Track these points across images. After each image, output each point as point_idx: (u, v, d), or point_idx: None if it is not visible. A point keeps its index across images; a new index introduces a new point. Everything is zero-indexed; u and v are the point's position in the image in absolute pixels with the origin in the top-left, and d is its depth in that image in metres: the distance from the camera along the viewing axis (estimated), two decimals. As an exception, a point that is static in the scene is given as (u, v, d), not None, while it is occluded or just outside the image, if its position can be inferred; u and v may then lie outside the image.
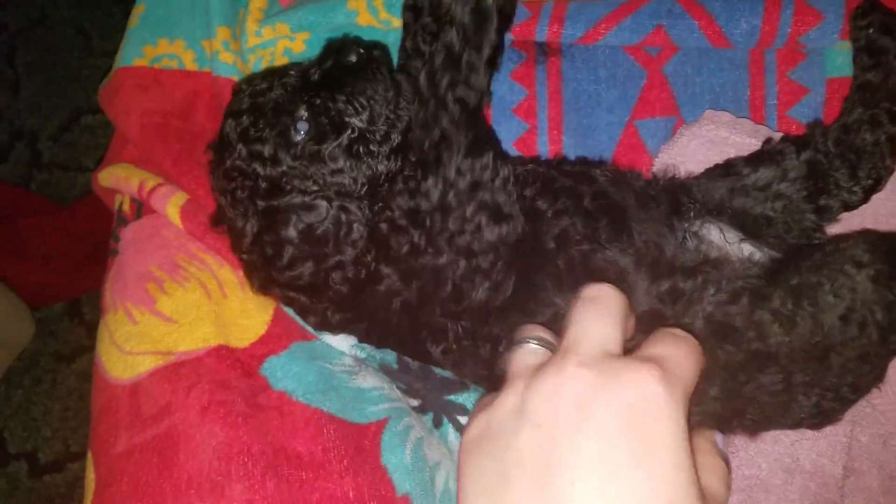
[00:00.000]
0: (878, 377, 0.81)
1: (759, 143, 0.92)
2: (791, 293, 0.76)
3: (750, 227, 0.87)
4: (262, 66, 1.06)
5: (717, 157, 0.93)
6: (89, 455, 0.91)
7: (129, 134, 1.05)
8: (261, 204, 0.82)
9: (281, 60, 1.06)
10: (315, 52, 1.05)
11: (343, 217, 0.80)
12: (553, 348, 0.60)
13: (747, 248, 0.85)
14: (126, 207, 1.03)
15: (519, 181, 0.84)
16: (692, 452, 0.49)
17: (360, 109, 0.82)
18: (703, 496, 0.49)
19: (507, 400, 0.54)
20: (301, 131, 0.80)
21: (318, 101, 0.81)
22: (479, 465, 0.52)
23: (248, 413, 0.84)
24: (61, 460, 2.11)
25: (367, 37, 1.04)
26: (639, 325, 0.67)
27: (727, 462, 0.62)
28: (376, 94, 0.82)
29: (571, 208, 0.83)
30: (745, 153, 0.92)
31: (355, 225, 0.80)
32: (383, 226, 0.80)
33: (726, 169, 0.90)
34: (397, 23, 1.02)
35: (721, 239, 0.85)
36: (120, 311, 0.94)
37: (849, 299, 0.74)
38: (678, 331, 0.59)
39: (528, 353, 0.60)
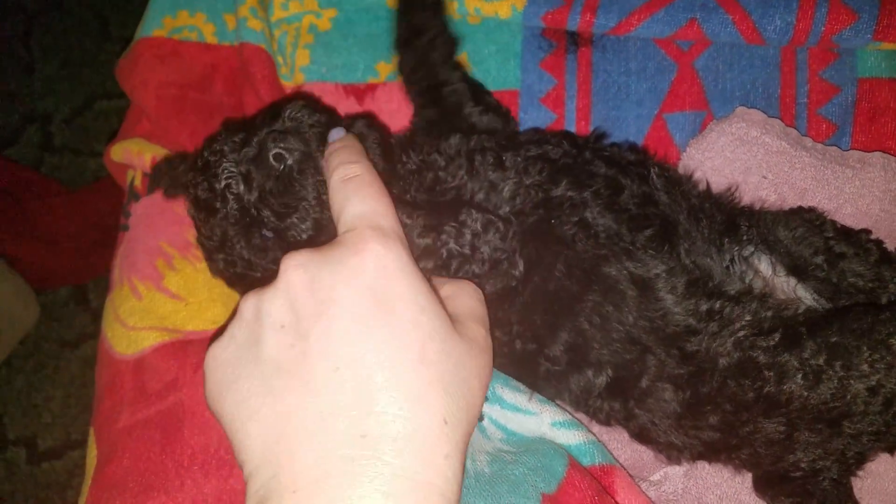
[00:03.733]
0: (888, 449, 0.80)
1: (790, 146, 0.91)
2: (826, 348, 0.73)
3: (803, 270, 0.85)
4: (287, 41, 1.05)
5: (746, 156, 0.92)
6: (91, 432, 0.90)
7: (145, 106, 1.04)
8: None
9: (306, 38, 1.05)
10: (342, 32, 1.05)
11: None
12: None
13: (796, 287, 0.83)
14: (138, 182, 1.02)
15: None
16: (433, 291, 0.53)
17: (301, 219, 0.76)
18: (456, 321, 0.54)
19: (238, 320, 0.54)
20: (268, 238, 0.78)
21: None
22: (236, 392, 0.50)
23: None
24: (61, 447, 2.08)
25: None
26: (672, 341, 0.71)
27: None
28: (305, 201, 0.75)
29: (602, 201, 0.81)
30: (774, 154, 0.91)
31: None
32: None
33: (806, 219, 0.88)
34: (429, 3, 1.01)
35: (770, 272, 0.84)
36: (126, 286, 0.93)
37: (883, 373, 0.72)
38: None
39: None
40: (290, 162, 0.73)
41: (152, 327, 0.90)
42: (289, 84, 1.06)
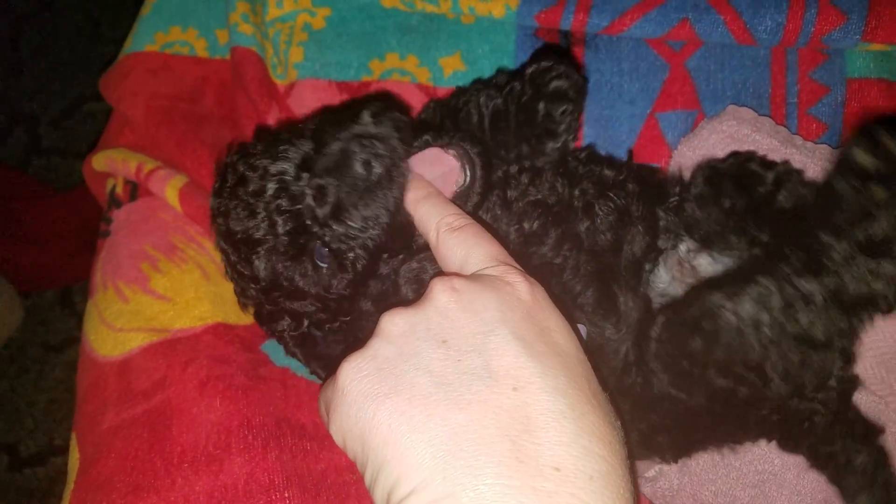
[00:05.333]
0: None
1: (780, 143, 0.92)
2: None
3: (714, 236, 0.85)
4: (281, 40, 1.06)
5: (737, 154, 0.93)
6: (73, 437, 0.89)
7: (133, 116, 1.04)
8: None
9: (300, 36, 1.05)
10: (336, 30, 1.05)
11: None
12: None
13: (707, 265, 0.84)
14: (119, 190, 1.02)
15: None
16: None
17: (372, 234, 0.70)
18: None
19: (381, 337, 0.52)
20: (324, 265, 0.72)
21: (332, 232, 0.69)
22: (393, 403, 0.47)
23: (248, 385, 0.83)
24: (44, 454, 2.05)
25: (390, 19, 1.04)
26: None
27: None
28: (381, 216, 0.69)
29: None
30: (764, 152, 0.92)
31: None
32: None
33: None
34: (421, 5, 1.02)
35: (685, 255, 0.85)
36: (110, 289, 0.93)
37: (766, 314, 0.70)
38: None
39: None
40: (379, 170, 0.66)
41: (139, 328, 0.89)
42: (282, 82, 1.06)
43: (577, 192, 0.83)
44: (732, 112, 0.95)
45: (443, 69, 1.03)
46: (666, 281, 0.82)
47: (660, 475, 0.88)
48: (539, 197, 0.82)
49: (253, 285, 0.75)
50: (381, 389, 0.48)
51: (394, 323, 0.52)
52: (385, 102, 0.72)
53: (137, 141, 1.04)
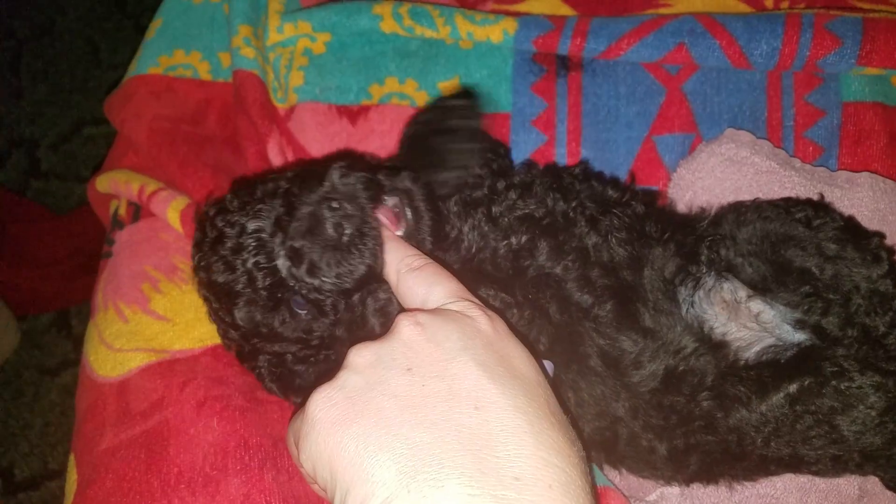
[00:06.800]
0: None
1: (779, 166, 0.92)
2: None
3: (769, 283, 0.83)
4: (282, 64, 1.07)
5: (736, 176, 0.94)
6: (71, 457, 0.89)
7: (136, 138, 1.05)
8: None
9: (300, 61, 1.06)
10: (336, 55, 1.06)
11: None
12: None
13: (759, 314, 0.83)
14: (122, 211, 1.03)
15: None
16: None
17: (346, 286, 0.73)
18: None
19: (349, 369, 0.54)
20: (303, 312, 0.76)
21: (308, 286, 0.73)
22: (360, 426, 0.49)
23: (246, 407, 0.83)
24: (38, 478, 2.03)
25: (389, 44, 1.05)
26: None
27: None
28: (356, 271, 0.71)
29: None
30: (763, 174, 0.93)
31: None
32: None
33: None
34: (420, 30, 1.03)
35: (731, 297, 0.83)
36: (111, 310, 0.93)
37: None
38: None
39: None
40: (349, 230, 0.69)
41: (138, 349, 0.89)
42: (282, 106, 1.07)
43: (573, 204, 0.84)
44: (731, 135, 0.95)
45: (441, 93, 1.04)
46: (721, 321, 0.81)
47: (661, 499, 0.87)
48: (527, 211, 0.83)
49: (233, 331, 0.79)
50: (348, 415, 0.50)
51: (361, 355, 0.54)
52: (352, 160, 0.76)
53: (141, 162, 1.04)
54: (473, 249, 0.81)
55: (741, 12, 1.03)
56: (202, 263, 0.78)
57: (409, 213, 0.75)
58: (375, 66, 1.06)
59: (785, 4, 1.04)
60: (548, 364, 0.68)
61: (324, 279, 0.70)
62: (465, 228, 0.82)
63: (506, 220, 0.82)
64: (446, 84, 1.04)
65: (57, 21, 2.37)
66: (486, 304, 0.74)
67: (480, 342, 0.54)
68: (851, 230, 0.83)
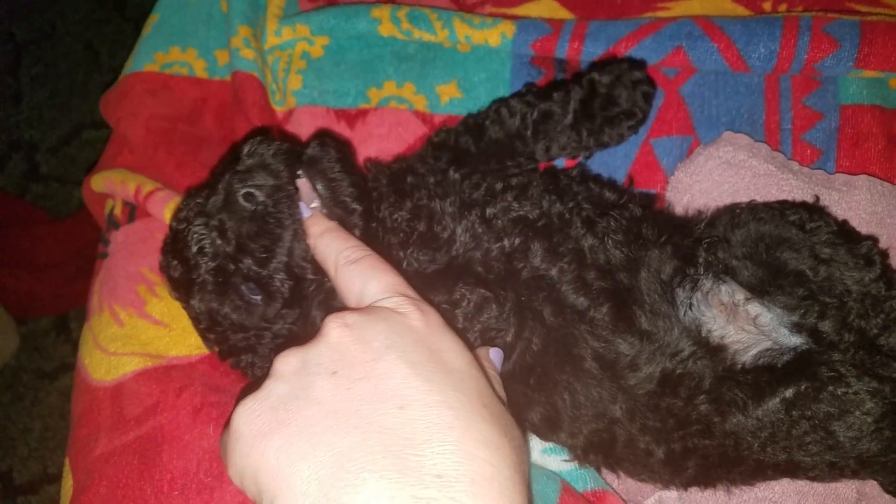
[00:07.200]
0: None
1: (776, 169, 0.92)
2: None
3: (767, 285, 0.83)
4: (280, 67, 1.06)
5: (733, 179, 0.93)
6: (67, 462, 0.88)
7: (132, 137, 1.04)
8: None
9: (298, 64, 1.06)
10: (334, 59, 1.06)
11: None
12: None
13: (756, 317, 0.82)
14: (118, 211, 1.02)
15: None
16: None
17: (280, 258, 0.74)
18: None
19: (275, 376, 0.53)
20: (256, 297, 0.75)
21: (245, 265, 0.73)
22: (282, 437, 0.48)
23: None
24: (37, 482, 2.03)
25: (387, 47, 1.05)
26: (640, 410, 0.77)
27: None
28: (280, 238, 0.73)
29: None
30: (761, 177, 0.92)
31: None
32: None
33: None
34: (418, 34, 1.03)
35: (730, 300, 0.83)
36: (106, 312, 0.92)
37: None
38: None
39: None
40: (261, 199, 0.70)
41: (133, 353, 0.89)
42: (281, 109, 1.07)
43: (570, 206, 0.84)
44: (729, 138, 0.95)
45: (440, 96, 1.04)
46: (720, 324, 0.81)
47: (659, 502, 0.87)
48: (521, 213, 0.83)
49: (198, 325, 0.80)
50: (271, 426, 0.49)
51: (286, 362, 0.53)
52: (264, 135, 0.76)
53: (136, 162, 1.04)
54: (462, 250, 0.81)
55: (739, 15, 1.03)
56: (163, 265, 0.79)
57: (319, 185, 0.74)
58: (373, 70, 1.06)
59: (783, 7, 1.04)
60: (495, 352, 0.68)
61: (254, 254, 0.71)
62: (459, 230, 0.81)
63: (500, 221, 0.82)
64: (444, 87, 1.04)
65: (57, 24, 2.38)
66: (460, 299, 0.75)
67: (411, 339, 0.53)
68: (845, 234, 0.83)
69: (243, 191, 0.70)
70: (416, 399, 0.48)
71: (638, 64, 0.95)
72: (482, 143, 0.94)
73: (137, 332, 0.90)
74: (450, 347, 0.54)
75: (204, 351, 0.89)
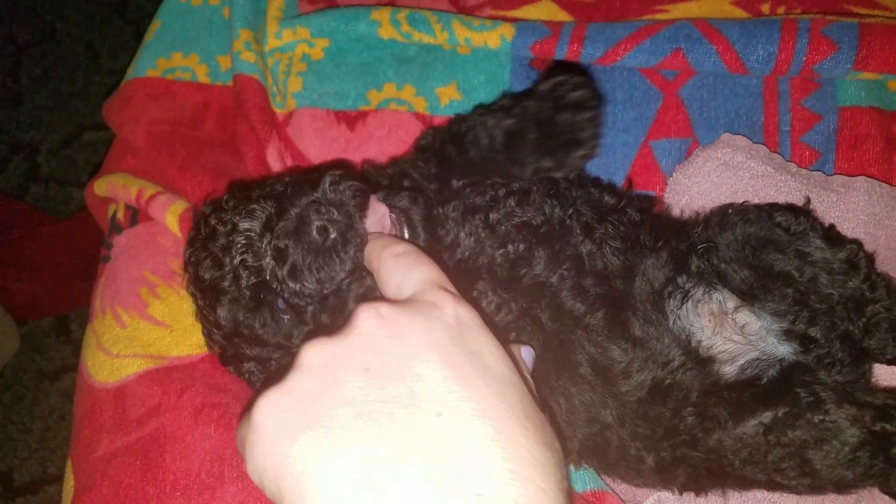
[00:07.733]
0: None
1: (775, 170, 0.93)
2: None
3: (757, 291, 0.83)
4: (280, 70, 1.07)
5: (732, 181, 0.94)
6: (69, 463, 0.89)
7: (135, 141, 1.05)
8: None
9: (299, 66, 1.07)
10: (334, 61, 1.07)
11: None
12: None
13: (744, 327, 0.82)
14: (120, 215, 1.03)
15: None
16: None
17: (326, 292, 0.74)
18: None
19: (300, 369, 0.49)
20: (286, 317, 0.76)
21: (289, 289, 0.73)
22: (309, 437, 0.44)
23: (244, 414, 0.83)
24: (37, 482, 2.03)
25: (387, 50, 1.06)
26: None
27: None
28: (335, 276, 0.73)
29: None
30: (759, 179, 0.93)
31: None
32: None
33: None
34: (418, 36, 1.04)
35: (718, 309, 0.83)
36: (108, 315, 0.93)
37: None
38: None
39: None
40: (334, 235, 0.70)
41: (136, 355, 0.90)
42: (281, 111, 1.08)
43: (570, 212, 0.84)
44: (727, 140, 0.95)
45: (439, 99, 1.04)
46: (707, 334, 0.81)
47: (658, 502, 0.87)
48: (525, 219, 0.83)
49: (216, 331, 0.79)
50: (296, 425, 0.45)
51: (314, 354, 0.49)
52: (345, 171, 0.76)
53: (139, 166, 1.05)
54: (468, 255, 0.81)
55: (737, 18, 1.03)
56: (192, 259, 0.78)
57: (405, 230, 0.75)
58: (373, 72, 1.06)
59: (781, 10, 1.05)
60: (526, 350, 0.64)
61: (305, 284, 0.71)
62: (462, 234, 0.81)
63: (503, 227, 0.82)
64: (444, 90, 1.04)
65: (57, 26, 2.38)
66: (478, 300, 0.74)
67: (448, 337, 0.49)
68: (830, 238, 0.83)
69: (318, 223, 0.70)
70: (454, 406, 0.44)
71: (580, 77, 0.87)
72: (465, 158, 0.92)
73: (140, 333, 0.91)
74: (490, 350, 0.50)
75: (205, 350, 0.89)
